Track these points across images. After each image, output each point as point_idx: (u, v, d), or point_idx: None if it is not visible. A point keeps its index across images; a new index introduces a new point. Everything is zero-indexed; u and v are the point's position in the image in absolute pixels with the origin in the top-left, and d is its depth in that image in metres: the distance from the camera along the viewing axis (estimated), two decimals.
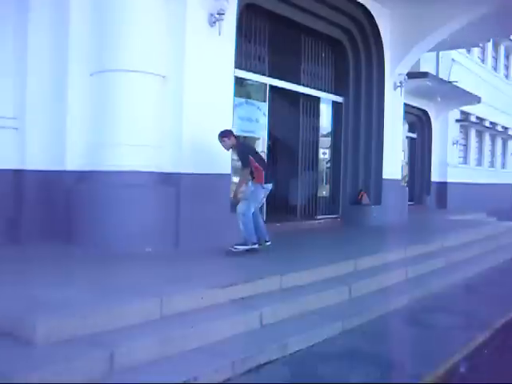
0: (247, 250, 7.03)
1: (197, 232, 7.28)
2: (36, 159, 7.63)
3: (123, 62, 7.44)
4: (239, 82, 9.49)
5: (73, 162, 7.56)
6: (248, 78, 10.10)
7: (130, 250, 6.74)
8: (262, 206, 8.00)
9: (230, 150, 7.37)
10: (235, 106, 8.80)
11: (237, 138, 7.29)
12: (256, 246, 7.15)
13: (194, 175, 7.49)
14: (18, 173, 7.59)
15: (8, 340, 3.95)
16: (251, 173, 7.10)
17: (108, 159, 7.29)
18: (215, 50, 7.91)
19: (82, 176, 7.52)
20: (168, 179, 7.44)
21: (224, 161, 7.98)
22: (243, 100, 10.07)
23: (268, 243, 7.36)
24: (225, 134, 7.18)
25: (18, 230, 7.51)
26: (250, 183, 7.20)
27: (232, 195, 7.36)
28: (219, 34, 7.85)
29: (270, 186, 7.28)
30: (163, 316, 4.66)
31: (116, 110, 7.47)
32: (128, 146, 7.28)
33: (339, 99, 12.55)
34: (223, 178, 7.99)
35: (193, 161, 7.26)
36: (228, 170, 8.20)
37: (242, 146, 7.35)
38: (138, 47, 7.49)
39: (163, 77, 7.67)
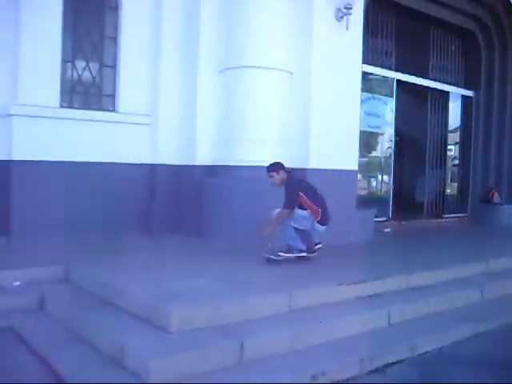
0: (299, 257, 6.20)
1: None
2: (167, 154, 8.01)
3: (251, 58, 7.59)
4: (365, 76, 9.35)
5: (202, 157, 7.82)
6: (375, 72, 9.94)
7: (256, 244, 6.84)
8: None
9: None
10: (361, 102, 8.68)
11: (288, 171, 6.29)
12: (304, 254, 6.25)
13: (321, 171, 7.47)
14: (151, 167, 8.02)
15: (145, 326, 4.16)
16: (304, 208, 6.14)
17: (236, 154, 7.47)
18: (342, 45, 7.86)
19: (211, 170, 7.75)
20: None
21: (351, 157, 7.95)
22: (370, 95, 9.93)
23: (319, 245, 6.38)
24: (273, 169, 6.24)
25: (150, 221, 7.91)
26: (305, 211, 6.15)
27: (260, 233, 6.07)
28: (346, 29, 7.79)
29: (322, 228, 6.23)
30: (291, 310, 4.69)
31: (244, 106, 7.65)
32: (255, 141, 7.41)
33: (469, 93, 12.03)
34: (349, 174, 7.92)
35: (319, 156, 7.25)
36: (355, 167, 8.15)
37: (292, 182, 6.20)
38: (265, 44, 7.61)
39: (290, 73, 7.74)
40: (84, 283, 5.31)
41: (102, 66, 8.12)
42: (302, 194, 6.10)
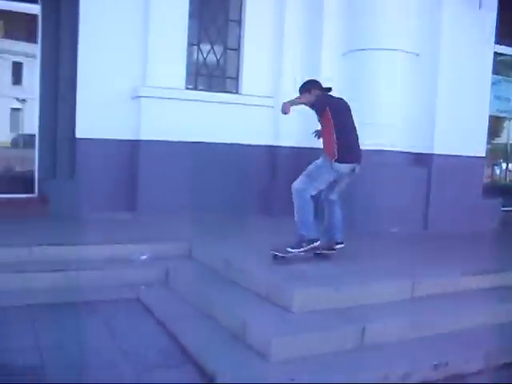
0: (315, 254, 5.13)
1: (446, 215, 7.01)
2: (288, 136, 8.04)
3: (376, 40, 7.36)
4: (496, 57, 8.84)
5: None
6: (507, 53, 9.37)
7: (376, 229, 6.70)
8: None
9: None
10: (491, 84, 8.23)
11: (327, 89, 5.24)
12: (317, 243, 5.04)
13: (446, 156, 7.20)
14: (272, 149, 8.10)
15: (267, 305, 4.23)
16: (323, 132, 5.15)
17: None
18: (474, 25, 7.45)
19: None
20: (419, 160, 7.28)
21: (479, 143, 7.61)
22: (500, 77, 9.40)
23: (340, 245, 5.31)
24: (305, 87, 5.21)
25: (270, 203, 7.98)
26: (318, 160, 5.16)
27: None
28: (479, 8, 7.40)
29: (344, 167, 5.03)
30: (413, 298, 4.58)
31: (368, 89, 7.43)
32: (379, 124, 7.22)
33: None
34: (477, 161, 7.58)
35: (445, 141, 6.96)
36: (482, 153, 7.79)
37: (325, 96, 5.15)
38: (391, 25, 7.36)
39: (416, 54, 7.47)
40: (206, 260, 5.48)
41: (226, 48, 8.28)
42: (329, 112, 4.99)
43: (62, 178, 7.57)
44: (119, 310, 4.66)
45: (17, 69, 10.39)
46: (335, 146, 4.99)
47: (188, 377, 3.51)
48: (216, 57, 8.20)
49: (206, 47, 8.15)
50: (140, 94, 7.41)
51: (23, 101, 10.04)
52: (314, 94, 5.12)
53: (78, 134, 7.34)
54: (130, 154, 7.50)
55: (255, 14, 8.14)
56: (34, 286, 4.88)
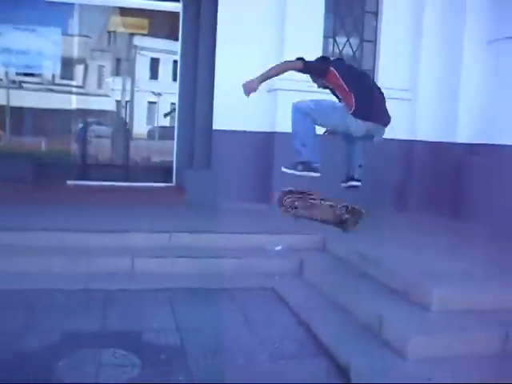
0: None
1: None
2: (426, 130, 7.76)
3: None
4: None
5: (463, 134, 7.43)
6: None
7: None
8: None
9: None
10: None
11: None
12: (317, 165, 4.72)
13: None
14: (409, 143, 7.84)
15: (403, 301, 4.11)
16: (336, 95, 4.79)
17: (503, 132, 6.94)
18: None
19: (474, 149, 7.33)
20: None
21: None
22: None
23: (356, 183, 5.21)
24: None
25: (405, 197, 7.78)
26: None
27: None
28: None
29: (356, 125, 4.77)
30: None
31: None
32: None
33: None
34: None
35: None
36: None
37: (325, 59, 5.13)
38: None
39: None
40: (341, 253, 5.44)
41: (362, 41, 8.17)
42: (335, 71, 4.71)
43: (199, 168, 7.83)
44: (254, 299, 4.74)
45: (154, 64, 10.92)
46: (352, 99, 4.67)
47: (322, 368, 3.50)
48: (352, 49, 8.12)
49: (341, 39, 8.08)
50: (276, 87, 7.47)
51: (159, 94, 10.55)
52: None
53: (215, 126, 7.55)
54: (265, 146, 7.60)
55: (393, 5, 7.95)
56: (172, 271, 5.10)
